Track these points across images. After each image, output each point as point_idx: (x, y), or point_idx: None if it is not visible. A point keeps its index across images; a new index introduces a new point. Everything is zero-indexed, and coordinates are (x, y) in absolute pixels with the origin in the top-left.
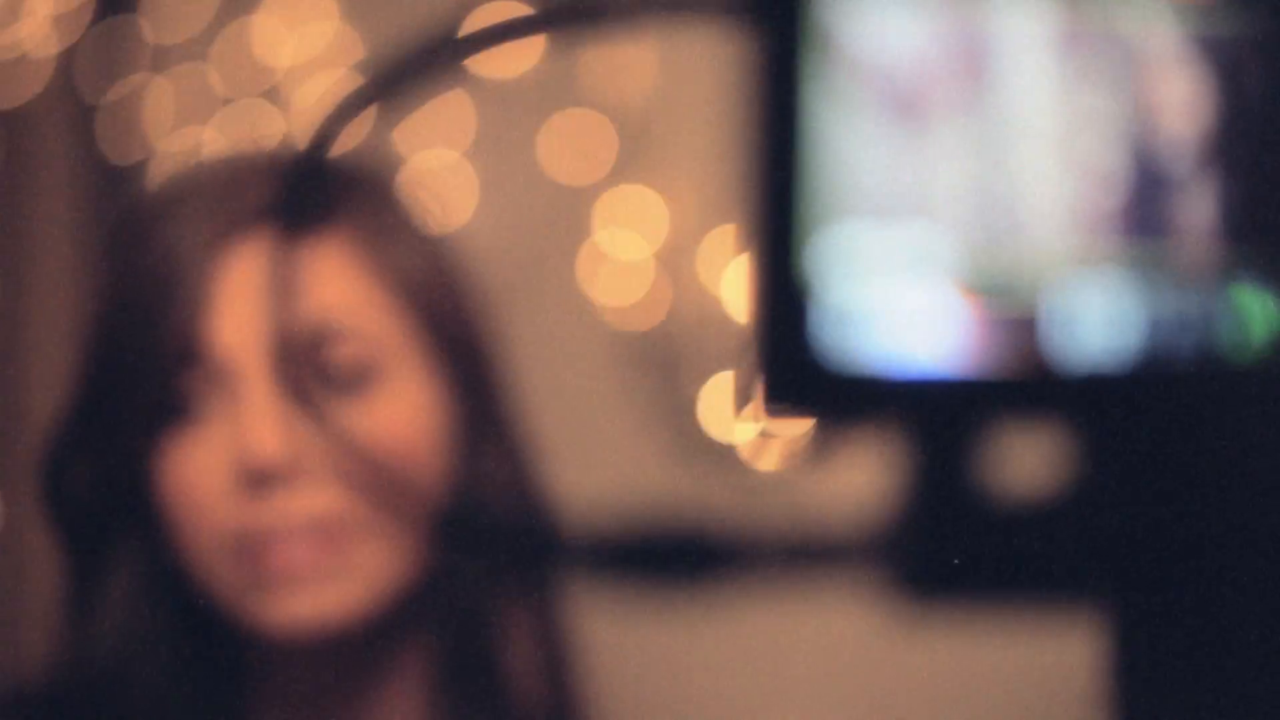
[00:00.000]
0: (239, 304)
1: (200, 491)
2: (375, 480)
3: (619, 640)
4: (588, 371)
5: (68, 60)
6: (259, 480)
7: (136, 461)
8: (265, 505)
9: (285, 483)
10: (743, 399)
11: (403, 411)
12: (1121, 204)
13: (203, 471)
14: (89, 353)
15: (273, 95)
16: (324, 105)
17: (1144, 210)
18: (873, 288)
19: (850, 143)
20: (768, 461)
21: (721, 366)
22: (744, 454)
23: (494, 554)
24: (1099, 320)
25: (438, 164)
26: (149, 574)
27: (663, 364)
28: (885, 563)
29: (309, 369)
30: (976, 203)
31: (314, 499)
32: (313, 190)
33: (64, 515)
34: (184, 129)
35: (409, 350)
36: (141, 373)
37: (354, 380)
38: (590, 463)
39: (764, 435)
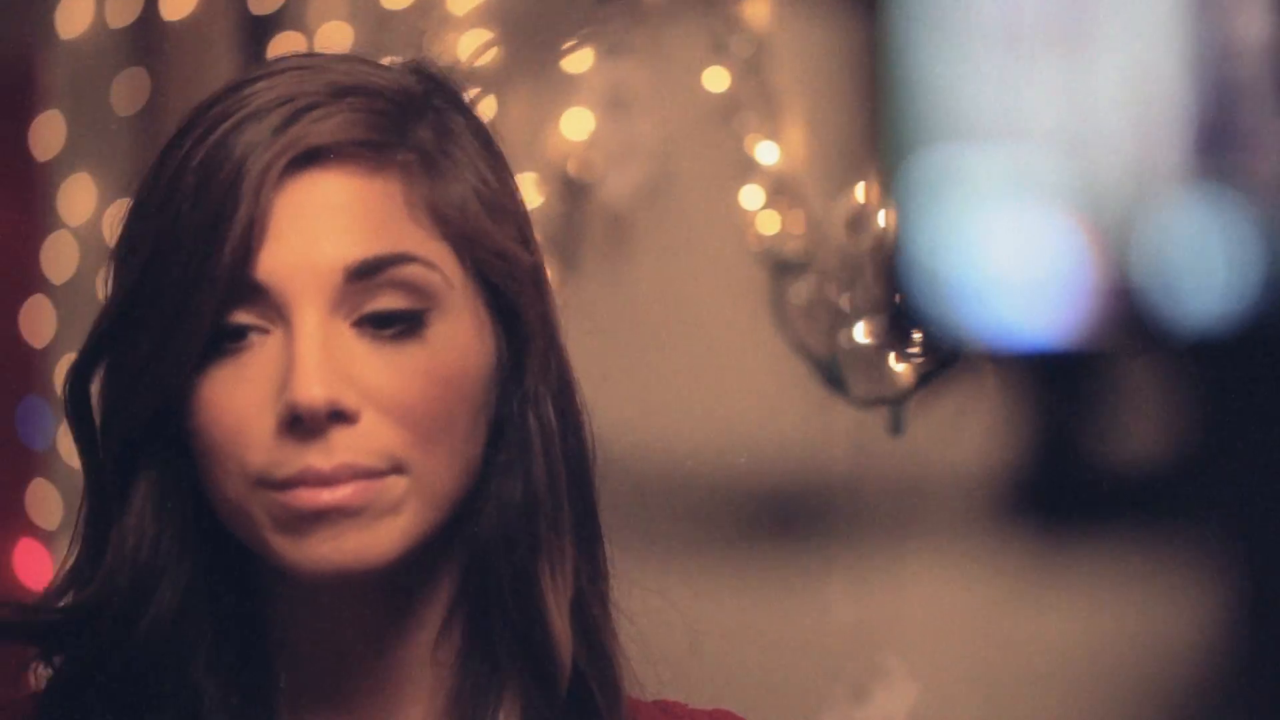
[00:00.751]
0: (298, 235)
1: (241, 425)
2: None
3: (710, 599)
4: (731, 281)
5: None
6: (303, 423)
7: (173, 386)
8: (307, 447)
9: (330, 427)
10: (879, 324)
11: (456, 346)
12: (1212, 123)
13: (246, 406)
14: (136, 266)
15: (433, 6)
16: (475, 18)
17: (1231, 129)
18: (978, 215)
19: (949, 68)
20: (903, 380)
21: (861, 287)
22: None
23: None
24: (1196, 235)
25: (600, 79)
26: (173, 499)
27: (805, 279)
28: (1003, 516)
29: (369, 299)
30: (1075, 123)
31: (357, 445)
32: (388, 119)
33: (88, 429)
34: (349, 39)
35: (460, 284)
36: (189, 296)
37: (413, 311)
38: (727, 377)
39: (898, 359)
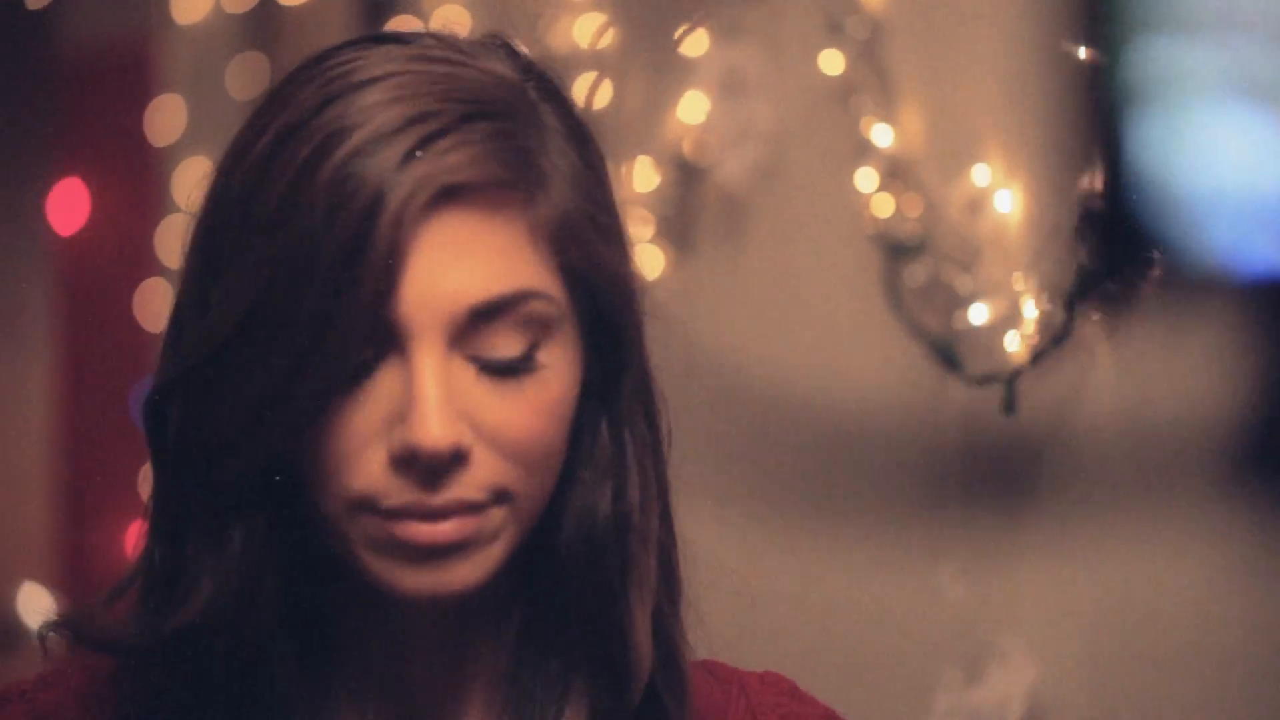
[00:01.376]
0: (426, 271)
1: (351, 452)
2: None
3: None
4: (845, 264)
5: None
6: (421, 462)
7: (302, 426)
8: (417, 482)
9: (445, 468)
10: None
11: (562, 374)
12: None
13: (357, 434)
14: (248, 288)
15: None
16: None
17: None
18: (1199, 117)
19: None
20: (1017, 358)
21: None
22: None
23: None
24: None
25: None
26: (269, 527)
27: (921, 261)
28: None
29: (488, 336)
30: None
31: (466, 480)
32: (511, 151)
33: (167, 452)
34: (465, 22)
35: (568, 309)
36: (324, 332)
37: (529, 348)
38: (847, 351)
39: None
